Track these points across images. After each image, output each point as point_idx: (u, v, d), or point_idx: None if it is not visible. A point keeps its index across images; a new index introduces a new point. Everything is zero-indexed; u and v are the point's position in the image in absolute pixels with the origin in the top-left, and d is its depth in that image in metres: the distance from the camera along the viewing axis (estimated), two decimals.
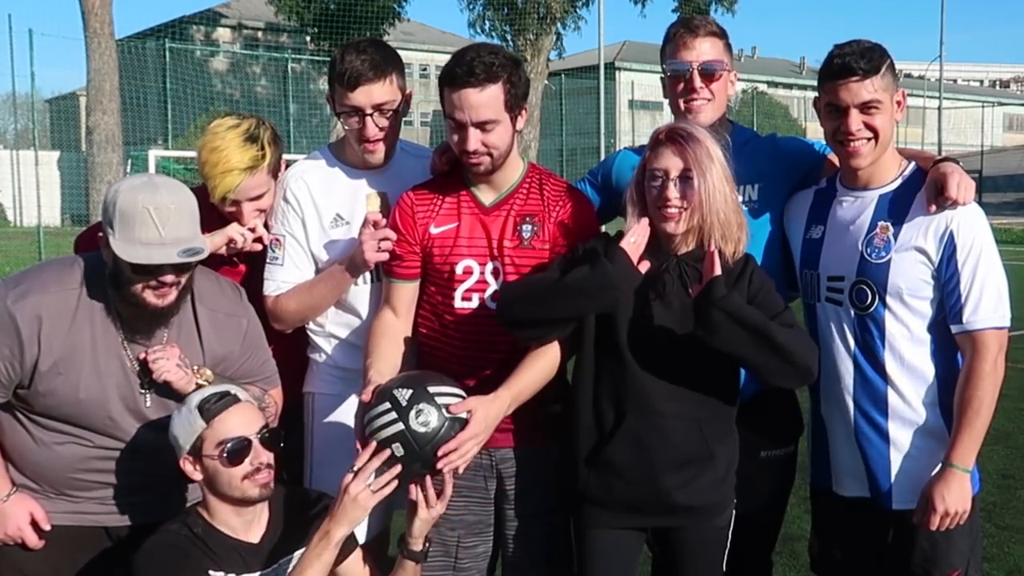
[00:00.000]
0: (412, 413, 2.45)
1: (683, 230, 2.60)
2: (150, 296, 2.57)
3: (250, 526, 2.59)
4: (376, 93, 2.85)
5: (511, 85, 2.69)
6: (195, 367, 2.69)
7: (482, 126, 2.67)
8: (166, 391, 2.68)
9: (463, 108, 2.66)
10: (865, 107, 2.71)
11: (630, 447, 2.64)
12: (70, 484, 2.71)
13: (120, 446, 2.70)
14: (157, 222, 2.48)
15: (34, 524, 2.70)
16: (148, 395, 2.68)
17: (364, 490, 2.46)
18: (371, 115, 2.86)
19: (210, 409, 2.49)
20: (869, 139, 2.74)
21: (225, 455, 2.49)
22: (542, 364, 2.73)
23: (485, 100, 2.65)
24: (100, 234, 2.57)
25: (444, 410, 2.49)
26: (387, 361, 2.77)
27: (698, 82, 2.98)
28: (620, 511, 2.70)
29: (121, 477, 2.72)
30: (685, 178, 2.56)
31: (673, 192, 2.56)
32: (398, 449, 2.45)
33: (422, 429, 2.46)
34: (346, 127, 2.93)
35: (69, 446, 2.67)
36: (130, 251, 2.48)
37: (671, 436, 2.63)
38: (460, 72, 2.64)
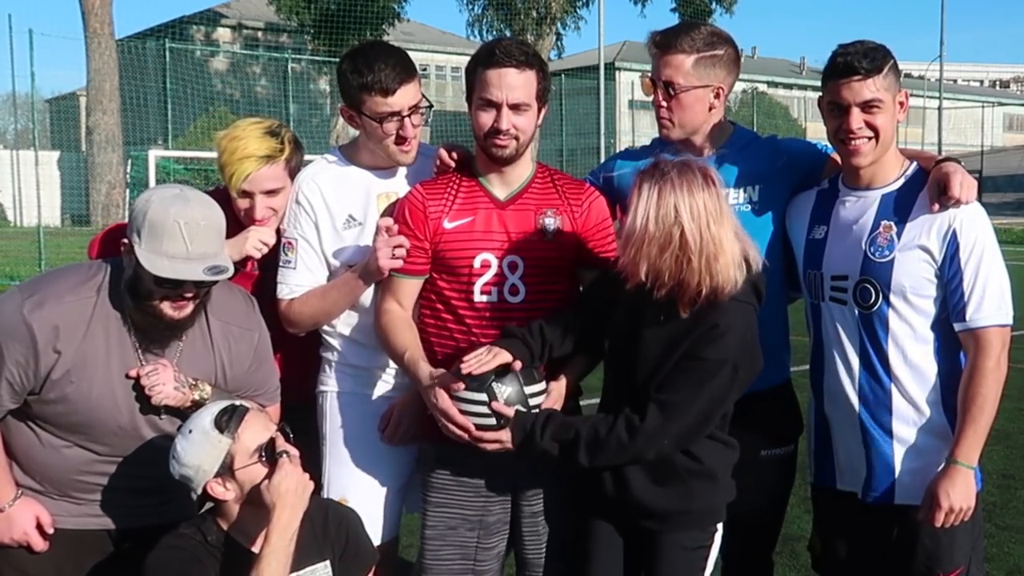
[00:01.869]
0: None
1: (624, 263, 2.57)
2: (167, 308, 2.56)
3: None
4: (411, 93, 2.91)
5: (543, 76, 2.82)
6: (192, 381, 2.67)
7: (516, 107, 2.76)
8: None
9: (501, 87, 2.74)
10: (867, 106, 2.72)
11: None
12: (75, 486, 2.71)
13: (127, 452, 2.70)
14: (186, 236, 2.47)
15: (39, 527, 2.69)
16: (163, 407, 2.67)
17: None
18: (408, 116, 2.91)
19: (231, 423, 2.47)
20: (870, 138, 2.76)
21: (265, 458, 2.48)
22: (587, 361, 2.88)
23: (523, 82, 2.76)
24: (124, 241, 2.55)
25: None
26: (423, 353, 2.81)
27: (660, 98, 2.94)
28: (602, 507, 2.73)
29: (126, 481, 2.71)
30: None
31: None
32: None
33: None
34: (383, 133, 2.92)
35: (76, 450, 2.67)
36: (156, 263, 2.47)
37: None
38: (501, 53, 2.74)
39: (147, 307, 2.56)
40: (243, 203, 3.03)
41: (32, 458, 2.69)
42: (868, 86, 2.71)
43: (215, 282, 2.58)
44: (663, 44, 2.93)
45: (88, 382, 2.59)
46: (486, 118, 2.78)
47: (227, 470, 2.46)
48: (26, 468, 2.71)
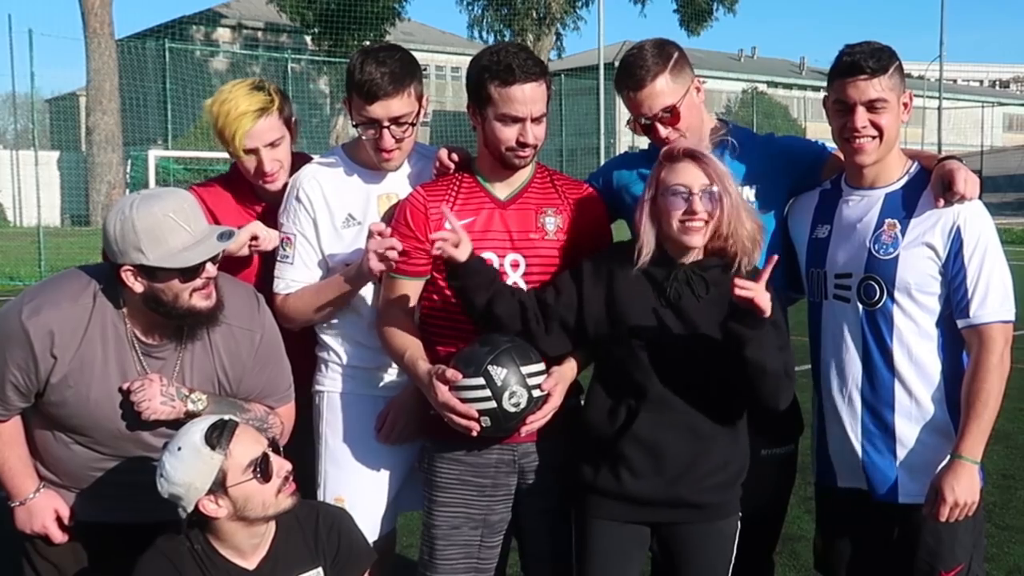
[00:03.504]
0: (506, 395, 2.60)
1: (703, 243, 2.66)
2: (199, 300, 2.58)
3: (255, 548, 2.59)
4: (394, 107, 2.87)
5: (550, 80, 2.84)
6: (186, 392, 2.67)
7: (537, 119, 2.77)
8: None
9: (526, 102, 2.74)
10: (871, 105, 2.74)
11: (641, 443, 2.67)
12: (88, 481, 2.77)
13: (131, 455, 2.72)
14: (183, 224, 2.50)
15: (58, 520, 2.78)
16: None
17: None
18: (388, 127, 2.89)
19: (222, 440, 2.45)
20: (874, 137, 2.77)
21: (259, 474, 2.46)
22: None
23: (541, 94, 2.78)
24: (125, 269, 2.53)
25: (534, 390, 2.63)
26: (423, 352, 2.81)
27: (663, 131, 2.94)
28: (628, 503, 2.71)
29: (137, 476, 2.71)
30: (710, 193, 2.61)
31: (700, 206, 2.61)
32: (485, 421, 2.63)
33: (513, 409, 2.62)
34: (363, 136, 2.94)
35: (81, 448, 2.72)
36: (179, 259, 2.49)
37: (682, 435, 2.67)
38: (519, 69, 2.72)
39: (180, 311, 2.57)
40: (250, 162, 3.05)
41: (48, 453, 2.77)
42: (874, 85, 2.73)
43: (221, 254, 2.60)
44: (638, 83, 2.90)
45: (86, 387, 2.61)
46: (510, 133, 2.78)
47: (220, 487, 2.44)
48: (45, 462, 2.79)
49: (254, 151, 3.03)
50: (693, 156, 2.64)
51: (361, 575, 2.77)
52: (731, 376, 2.62)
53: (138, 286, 2.55)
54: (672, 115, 2.92)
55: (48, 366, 2.58)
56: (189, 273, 2.53)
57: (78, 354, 2.59)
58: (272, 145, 3.05)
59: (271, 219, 3.12)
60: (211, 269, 2.58)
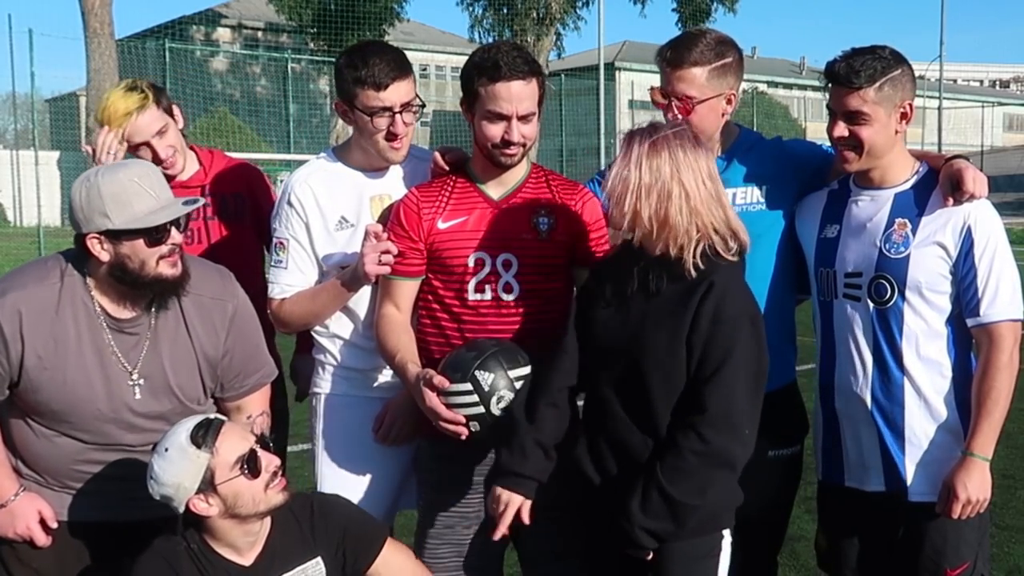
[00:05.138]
0: (494, 399, 2.60)
1: (616, 223, 2.57)
2: (166, 268, 2.60)
3: (252, 545, 2.59)
4: (404, 90, 2.91)
5: (543, 81, 2.83)
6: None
7: (525, 118, 2.77)
8: (157, 382, 2.70)
9: (511, 100, 2.74)
10: (851, 117, 2.74)
11: (589, 455, 2.61)
12: (72, 476, 2.75)
13: (114, 440, 2.71)
14: (148, 189, 2.56)
15: (42, 522, 2.74)
16: (137, 387, 2.69)
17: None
18: (400, 112, 2.91)
19: (207, 438, 2.46)
20: (853, 147, 2.78)
21: (247, 469, 2.47)
22: None
23: (530, 92, 2.77)
24: (93, 237, 2.56)
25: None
26: (415, 355, 2.82)
27: (671, 113, 2.92)
28: (598, 518, 2.62)
29: (120, 470, 2.73)
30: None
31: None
32: (474, 425, 2.63)
33: (500, 413, 2.61)
34: (373, 128, 2.94)
35: (64, 439, 2.70)
36: (145, 220, 2.53)
37: (622, 446, 2.56)
38: (506, 66, 2.73)
39: (147, 279, 2.59)
40: (146, 154, 3.23)
41: (29, 450, 2.74)
42: (854, 98, 2.72)
43: (184, 222, 2.64)
44: (675, 60, 2.90)
45: (62, 369, 2.61)
46: (495, 130, 2.78)
47: (208, 485, 2.45)
48: (27, 461, 2.76)
49: (145, 144, 3.24)
50: (634, 133, 2.59)
51: (380, 549, 2.74)
52: (666, 386, 2.49)
53: (104, 254, 2.57)
54: (687, 108, 2.90)
55: (18, 349, 2.57)
56: (155, 237, 2.55)
57: (51, 334, 2.59)
58: (160, 134, 3.24)
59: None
60: (176, 236, 2.61)
